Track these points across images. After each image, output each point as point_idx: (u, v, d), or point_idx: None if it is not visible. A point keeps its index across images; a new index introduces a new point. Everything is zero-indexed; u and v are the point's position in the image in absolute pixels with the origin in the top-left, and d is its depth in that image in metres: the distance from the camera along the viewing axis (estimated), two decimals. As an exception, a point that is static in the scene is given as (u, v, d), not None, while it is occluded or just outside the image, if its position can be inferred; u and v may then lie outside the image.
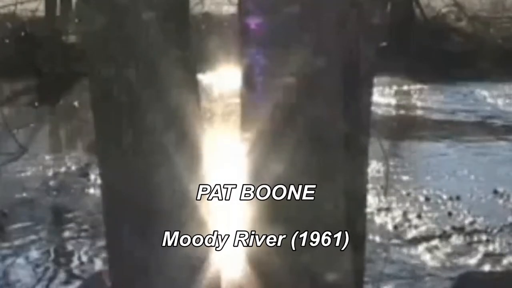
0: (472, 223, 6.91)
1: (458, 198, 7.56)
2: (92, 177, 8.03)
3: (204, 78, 12.39)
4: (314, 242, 2.65)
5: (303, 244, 2.64)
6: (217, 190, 2.77)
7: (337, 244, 2.70)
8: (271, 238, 2.63)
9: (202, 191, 2.67)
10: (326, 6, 2.64)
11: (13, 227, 6.76)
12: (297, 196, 2.62)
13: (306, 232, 2.64)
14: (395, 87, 13.77)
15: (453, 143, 10.11)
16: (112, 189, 2.70)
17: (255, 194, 2.67)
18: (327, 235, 2.66)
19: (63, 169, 8.62)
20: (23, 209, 7.29)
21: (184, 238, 2.61)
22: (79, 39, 13.09)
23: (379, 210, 7.18)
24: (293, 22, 2.58)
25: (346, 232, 2.73)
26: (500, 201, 7.55)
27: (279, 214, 2.64)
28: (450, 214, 7.15)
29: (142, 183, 2.61)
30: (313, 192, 2.62)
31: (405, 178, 8.33)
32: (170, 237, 2.60)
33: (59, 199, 7.64)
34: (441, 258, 6.14)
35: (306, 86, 2.60)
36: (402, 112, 12.25)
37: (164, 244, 2.60)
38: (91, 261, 6.10)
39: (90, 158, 8.52)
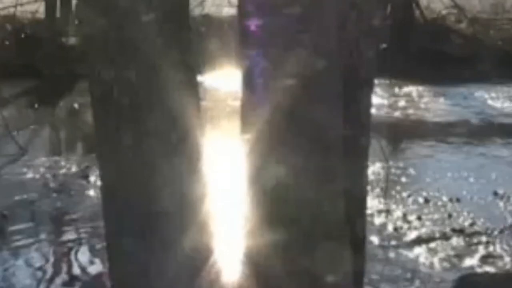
0: (472, 224, 6.91)
1: (458, 200, 7.56)
2: (92, 178, 8.03)
3: (204, 79, 12.39)
4: (314, 244, 2.65)
5: (303, 245, 2.64)
6: (217, 192, 2.77)
7: (337, 245, 2.70)
8: (271, 240, 2.64)
9: (203, 192, 2.67)
10: (326, 8, 2.64)
11: (13, 229, 6.76)
12: (297, 198, 2.62)
13: (306, 234, 2.64)
14: (395, 89, 13.77)
15: (453, 144, 10.11)
16: (112, 191, 2.70)
17: (255, 196, 2.67)
18: (327, 236, 2.66)
19: (63, 171, 8.62)
20: (23, 210, 7.29)
21: (184, 240, 2.61)
22: (79, 41, 13.10)
23: (379, 211, 7.18)
24: (293, 24, 2.59)
25: (346, 234, 2.73)
26: (500, 203, 7.54)
27: (279, 216, 2.64)
28: (450, 215, 7.15)
29: (142, 185, 2.61)
30: (313, 194, 2.63)
31: (405, 179, 8.33)
32: (171, 239, 2.60)
33: (59, 201, 7.64)
34: (441, 260, 6.14)
35: (306, 88, 2.60)
36: (402, 114, 12.24)
37: (164, 246, 2.60)
38: (91, 263, 6.10)
39: (90, 160, 8.51)
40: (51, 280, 5.79)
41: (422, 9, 15.87)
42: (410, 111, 12.42)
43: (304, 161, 2.62)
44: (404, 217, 7.10)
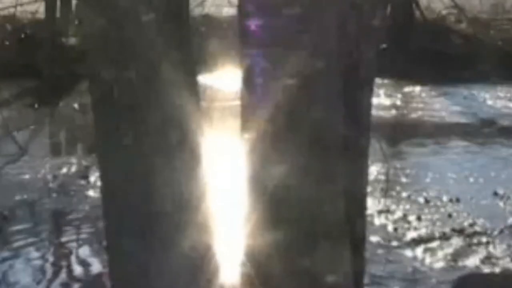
0: (472, 225, 6.91)
1: (458, 200, 7.56)
2: (92, 179, 8.03)
3: (204, 79, 12.39)
4: (314, 244, 2.65)
5: (303, 245, 2.64)
6: (217, 192, 2.77)
7: (337, 245, 2.70)
8: (271, 240, 2.64)
9: (202, 192, 2.67)
10: (326, 8, 2.64)
11: (13, 229, 6.76)
12: (297, 198, 2.62)
13: (306, 234, 2.64)
14: (395, 89, 13.77)
15: (453, 145, 10.11)
16: (112, 191, 2.70)
17: (255, 196, 2.67)
18: (327, 236, 2.66)
19: (63, 171, 8.62)
20: (23, 211, 7.29)
21: (184, 240, 2.61)
22: (79, 41, 13.11)
23: (379, 212, 7.18)
24: (293, 24, 2.59)
25: (346, 234, 2.73)
26: (500, 203, 7.54)
27: (279, 216, 2.64)
28: (450, 216, 7.15)
29: (142, 185, 2.61)
30: (313, 194, 2.63)
31: (405, 180, 8.32)
32: (170, 240, 2.60)
33: (59, 201, 7.64)
34: (441, 260, 6.14)
35: (306, 88, 2.60)
36: (402, 114, 12.25)
37: (164, 246, 2.60)
38: (91, 263, 6.10)
39: (90, 160, 8.51)
40: (51, 280, 5.79)
41: (422, 9, 15.86)
42: (410, 111, 12.43)
43: (304, 161, 2.62)
44: (404, 217, 7.10)
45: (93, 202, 7.24)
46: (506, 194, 7.72)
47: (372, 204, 7.18)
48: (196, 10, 13.09)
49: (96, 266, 5.96)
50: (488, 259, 6.17)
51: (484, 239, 6.56)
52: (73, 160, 9.10)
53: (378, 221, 6.98)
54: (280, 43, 2.59)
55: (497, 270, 5.96)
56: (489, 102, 12.90)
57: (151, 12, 2.56)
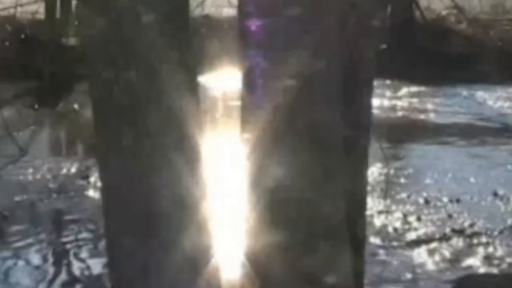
0: (472, 225, 6.91)
1: (458, 200, 7.56)
2: (92, 179, 8.03)
3: (204, 80, 12.39)
4: (314, 244, 2.65)
5: (303, 246, 2.65)
6: (217, 193, 2.77)
7: (337, 246, 2.70)
8: (271, 240, 2.64)
9: (202, 193, 2.67)
10: (326, 8, 2.64)
11: (13, 230, 6.76)
12: (297, 198, 2.62)
13: (306, 234, 2.64)
14: (395, 90, 13.78)
15: (453, 145, 10.11)
16: (112, 192, 2.70)
17: (255, 196, 2.67)
18: (327, 237, 2.66)
19: (63, 172, 8.62)
20: (23, 211, 7.29)
21: (184, 240, 2.61)
22: (79, 41, 13.11)
23: (379, 212, 7.17)
24: (293, 25, 2.59)
25: (346, 235, 2.73)
26: (500, 204, 7.55)
27: (279, 216, 2.64)
28: (450, 216, 7.15)
29: (142, 185, 2.61)
30: (313, 194, 2.63)
31: (405, 180, 8.32)
32: (170, 240, 2.60)
33: (59, 201, 7.64)
34: (441, 261, 6.14)
35: (306, 89, 2.60)
36: (402, 114, 12.25)
37: (164, 246, 2.60)
38: (91, 263, 6.10)
39: (90, 160, 8.52)
40: (51, 280, 5.79)
41: (422, 9, 15.87)
42: (410, 111, 12.43)
43: (304, 162, 2.62)
44: (404, 217, 7.11)
45: (93, 202, 7.24)
46: (506, 194, 7.73)
47: (372, 205, 7.18)
48: (196, 11, 13.10)
49: (96, 267, 5.96)
50: (488, 259, 6.17)
51: (484, 240, 6.56)
52: (73, 160, 9.11)
53: (378, 221, 6.98)
54: (280, 43, 2.59)
55: (497, 270, 5.97)
56: (489, 102, 12.92)
57: (151, 13, 2.56)
